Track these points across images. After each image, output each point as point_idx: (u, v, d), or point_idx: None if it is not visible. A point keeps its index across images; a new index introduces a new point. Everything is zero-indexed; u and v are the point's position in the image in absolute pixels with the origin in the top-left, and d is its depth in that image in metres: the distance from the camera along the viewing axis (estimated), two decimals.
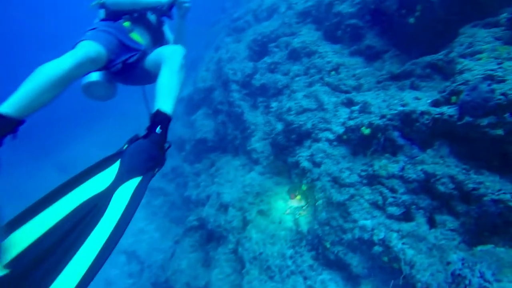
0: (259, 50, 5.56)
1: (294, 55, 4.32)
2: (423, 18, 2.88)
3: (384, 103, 2.55)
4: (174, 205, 7.76)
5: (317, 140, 3.03)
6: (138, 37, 2.21)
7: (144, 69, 2.00)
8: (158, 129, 1.43)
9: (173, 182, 8.31)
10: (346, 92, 3.35)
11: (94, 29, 1.93)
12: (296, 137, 3.27)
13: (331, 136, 2.93)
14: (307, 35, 4.34)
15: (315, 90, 3.42)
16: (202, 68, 8.15)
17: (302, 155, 3.06)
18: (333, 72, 3.58)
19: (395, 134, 2.36)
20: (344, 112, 3.03)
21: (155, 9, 2.34)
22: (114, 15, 2.24)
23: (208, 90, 6.77)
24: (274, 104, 4.28)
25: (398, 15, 3.09)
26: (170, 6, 2.36)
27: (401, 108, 2.34)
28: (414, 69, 2.87)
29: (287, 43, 4.75)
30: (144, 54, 2.04)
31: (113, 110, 15.80)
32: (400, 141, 2.34)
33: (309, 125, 3.13)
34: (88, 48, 1.64)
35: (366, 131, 2.48)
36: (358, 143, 2.62)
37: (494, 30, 2.31)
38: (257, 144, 4.26)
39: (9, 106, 1.23)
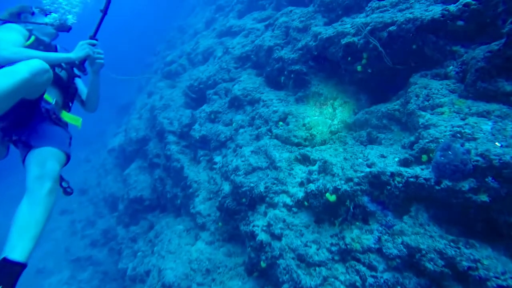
0: (196, 97, 5.14)
1: (236, 103, 3.97)
2: (370, 65, 2.74)
3: (346, 162, 2.24)
4: (107, 276, 6.54)
5: (273, 205, 2.59)
6: (48, 97, 2.03)
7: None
8: None
9: (105, 248, 7.11)
10: (298, 144, 3.03)
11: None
12: (248, 201, 2.80)
13: (289, 201, 2.51)
14: (248, 81, 4.05)
15: (264, 144, 3.04)
16: (135, 116, 7.42)
17: (258, 224, 2.58)
18: (281, 123, 3.27)
19: (365, 199, 2.03)
20: (300, 171, 2.67)
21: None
22: None
23: (141, 141, 6.06)
24: (217, 159, 3.81)
25: (345, 62, 2.94)
26: (82, 62, 2.25)
27: (368, 170, 2.04)
28: (368, 119, 2.67)
29: (226, 90, 4.41)
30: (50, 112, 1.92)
31: None
32: (371, 206, 2.02)
33: (261, 188, 2.69)
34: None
35: (331, 197, 2.11)
36: (322, 210, 2.24)
37: (446, 82, 2.20)
38: (202, 206, 3.68)
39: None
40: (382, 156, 2.10)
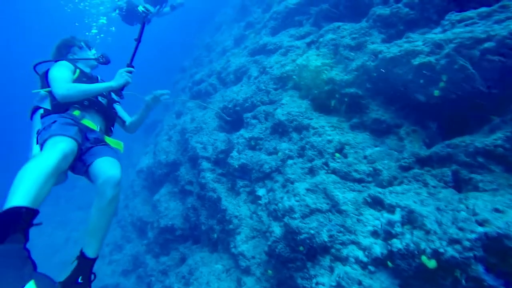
0: (232, 120, 4.81)
1: (280, 130, 3.60)
2: (450, 89, 2.30)
3: (443, 215, 1.78)
4: None
5: (341, 259, 2.15)
6: (90, 122, 2.33)
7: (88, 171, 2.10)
8: (80, 279, 1.72)
9: (133, 275, 6.81)
10: (360, 181, 2.60)
11: (54, 122, 2.02)
12: (307, 250, 2.38)
13: (361, 256, 2.07)
14: (292, 105, 3.68)
15: (321, 181, 2.62)
16: (163, 137, 7.21)
17: (323, 282, 2.15)
18: (337, 155, 2.85)
19: (480, 269, 1.57)
20: (371, 216, 2.23)
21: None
22: (61, 106, 2.25)
23: (171, 165, 5.79)
24: (261, 192, 3.42)
25: (415, 86, 2.51)
26: (121, 89, 2.44)
27: (481, 230, 1.58)
28: (453, 154, 2.20)
29: (267, 114, 4.05)
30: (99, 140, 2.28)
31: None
32: (490, 280, 1.55)
33: (325, 236, 2.26)
34: (65, 142, 1.81)
35: (430, 263, 1.66)
36: (413, 275, 1.79)
37: None
38: (245, 246, 3.28)
39: (21, 200, 1.37)
40: (497, 210, 1.64)
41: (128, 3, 5.42)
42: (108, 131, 2.63)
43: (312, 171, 2.88)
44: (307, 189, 2.65)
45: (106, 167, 2.02)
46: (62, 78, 2.26)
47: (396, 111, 2.89)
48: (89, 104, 2.41)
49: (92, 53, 2.82)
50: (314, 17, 4.85)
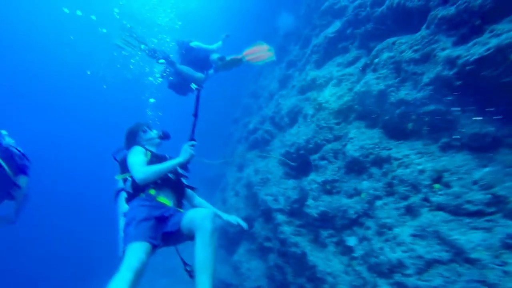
0: (297, 165, 4.55)
1: (356, 168, 3.23)
2: None
3: None
4: None
5: None
6: (165, 199, 2.50)
7: (180, 233, 2.20)
8: None
9: None
10: (479, 213, 2.08)
11: (132, 220, 2.22)
12: None
13: None
14: (362, 137, 3.32)
15: (429, 222, 2.17)
16: (230, 193, 7.16)
17: None
18: (437, 185, 2.38)
19: None
20: None
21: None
22: (139, 187, 2.47)
23: (245, 220, 5.58)
24: (351, 242, 2.99)
25: None
26: (187, 163, 2.61)
27: None
28: None
29: (335, 152, 3.73)
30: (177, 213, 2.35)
31: None
32: None
33: None
34: (138, 253, 1.96)
35: None
36: None
37: None
38: None
39: None
40: None
41: (176, 74, 5.53)
42: (180, 204, 2.76)
43: (410, 211, 2.43)
44: (413, 235, 2.21)
45: (196, 212, 2.18)
46: (138, 162, 2.51)
47: (498, 119, 2.38)
48: (162, 182, 2.58)
49: (154, 133, 3.09)
50: (359, 39, 4.59)
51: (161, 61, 5.53)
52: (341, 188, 3.31)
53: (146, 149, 2.79)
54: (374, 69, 3.54)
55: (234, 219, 3.03)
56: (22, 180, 3.55)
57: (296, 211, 4.08)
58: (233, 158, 6.68)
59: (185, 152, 2.56)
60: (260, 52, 5.27)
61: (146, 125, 3.12)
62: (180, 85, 5.59)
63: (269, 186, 4.83)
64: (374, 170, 3.01)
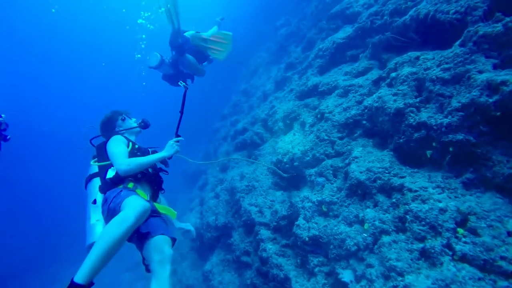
0: (289, 176, 4.14)
1: (359, 192, 2.84)
2: None
3: None
4: None
5: None
6: (142, 192, 2.46)
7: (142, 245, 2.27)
8: None
9: None
10: None
11: (119, 192, 2.26)
12: None
13: None
14: (370, 158, 2.94)
15: (453, 277, 1.79)
16: (210, 194, 6.68)
17: None
18: (461, 230, 2.02)
19: None
20: None
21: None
22: (118, 179, 2.43)
23: (222, 229, 5.14)
24: (347, 277, 2.60)
25: None
26: (170, 158, 2.67)
27: None
28: None
29: (335, 170, 3.34)
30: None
31: None
32: None
33: None
34: (143, 201, 2.01)
35: None
36: None
37: None
38: None
39: (83, 278, 1.57)
40: None
41: (176, 63, 5.24)
42: (156, 198, 2.77)
43: (428, 257, 2.06)
44: None
45: (159, 247, 2.16)
46: (121, 153, 2.47)
47: None
48: (141, 176, 2.58)
49: (133, 121, 3.04)
50: (372, 49, 4.23)
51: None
52: (340, 213, 2.91)
53: (128, 140, 2.74)
54: (390, 84, 3.17)
55: (187, 225, 3.13)
56: None
57: (283, 228, 3.66)
58: (219, 161, 6.19)
59: (170, 147, 2.60)
60: (221, 44, 5.34)
61: (125, 113, 3.04)
62: (175, 76, 5.38)
63: (255, 195, 4.39)
64: (381, 198, 2.63)
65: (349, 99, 3.78)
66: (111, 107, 3.11)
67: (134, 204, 1.95)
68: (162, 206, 2.59)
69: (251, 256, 4.14)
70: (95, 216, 2.44)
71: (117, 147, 2.52)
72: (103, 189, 2.50)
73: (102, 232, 1.76)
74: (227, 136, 9.04)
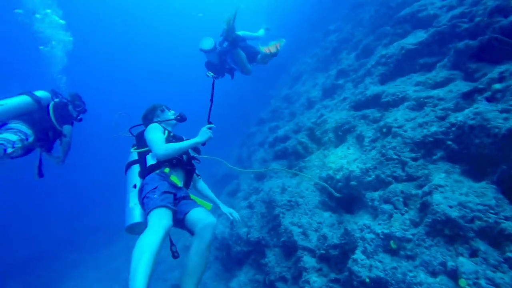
0: (342, 196, 3.55)
1: (447, 232, 2.21)
2: None
3: None
4: None
5: None
6: (176, 179, 2.59)
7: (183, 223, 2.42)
8: None
9: None
10: None
11: (154, 188, 2.35)
12: None
13: None
14: (461, 188, 2.31)
15: None
16: (242, 202, 6.19)
17: None
18: None
19: None
20: None
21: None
22: (156, 164, 2.61)
23: (255, 245, 4.62)
24: None
25: None
26: (204, 144, 2.72)
27: None
28: None
29: (407, 197, 2.72)
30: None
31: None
32: None
33: None
34: (167, 216, 2.15)
35: None
36: None
37: None
38: None
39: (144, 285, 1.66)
40: None
41: (224, 54, 5.26)
42: (188, 185, 2.89)
43: None
44: None
45: (202, 214, 2.33)
46: (158, 139, 2.61)
47: None
48: (176, 162, 2.70)
49: (171, 114, 3.21)
50: (455, 56, 3.56)
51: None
52: (417, 255, 2.29)
53: (164, 128, 2.89)
54: (494, 98, 2.52)
55: (228, 211, 3.12)
56: (65, 129, 4.10)
57: (332, 259, 3.08)
58: (263, 171, 5.73)
59: (204, 133, 2.67)
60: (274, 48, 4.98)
61: (165, 105, 3.25)
62: (218, 67, 5.39)
63: (298, 213, 3.84)
64: (482, 246, 1.99)
65: (426, 113, 3.14)
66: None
67: (156, 227, 2.02)
68: (197, 199, 2.72)
69: (288, 284, 3.57)
70: (134, 200, 2.60)
71: (155, 134, 2.67)
72: (142, 174, 2.66)
73: (136, 245, 1.87)
74: (264, 142, 8.56)
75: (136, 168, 2.78)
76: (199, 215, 2.32)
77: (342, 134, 4.59)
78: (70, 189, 23.81)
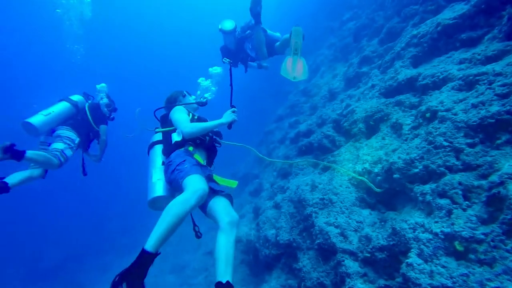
0: (384, 192, 3.18)
1: None
2: None
3: None
4: None
5: None
6: (199, 157, 2.73)
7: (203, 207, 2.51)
8: None
9: None
10: None
11: (183, 161, 2.52)
12: None
13: None
14: None
15: None
16: (267, 202, 5.88)
17: None
18: None
19: None
20: None
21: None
22: (180, 143, 2.74)
23: (285, 247, 4.30)
24: None
25: None
26: (230, 125, 2.89)
27: None
28: None
29: (468, 190, 2.33)
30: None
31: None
32: None
33: None
34: (203, 181, 2.30)
35: None
36: None
37: None
38: None
39: (152, 247, 1.76)
40: None
41: (239, 42, 5.34)
42: (210, 166, 2.98)
43: None
44: None
45: (227, 208, 2.41)
46: (185, 119, 2.77)
47: None
48: (200, 142, 2.83)
49: (192, 98, 3.46)
50: (509, 25, 3.12)
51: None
52: (496, 260, 1.91)
53: (188, 111, 3.05)
54: None
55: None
56: (102, 128, 4.41)
57: (379, 263, 2.72)
58: (298, 162, 5.40)
59: (228, 115, 2.82)
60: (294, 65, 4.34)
61: (186, 91, 3.48)
62: (233, 52, 5.50)
63: (333, 212, 3.49)
64: None
65: (480, 92, 2.73)
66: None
67: (196, 187, 2.16)
68: (221, 178, 2.71)
69: None
70: (157, 175, 2.76)
71: (180, 114, 2.84)
72: (167, 151, 2.79)
73: (168, 208, 1.95)
74: (285, 138, 8.22)
75: (159, 148, 2.98)
76: (224, 208, 2.40)
77: (374, 123, 4.20)
78: (98, 192, 24.12)
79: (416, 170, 2.80)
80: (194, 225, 2.61)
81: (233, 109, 2.91)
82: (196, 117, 3.03)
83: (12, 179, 3.37)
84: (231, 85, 3.04)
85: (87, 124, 4.26)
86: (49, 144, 3.89)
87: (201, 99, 3.41)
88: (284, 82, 14.21)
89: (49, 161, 3.53)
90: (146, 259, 1.70)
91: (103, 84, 4.83)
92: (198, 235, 2.57)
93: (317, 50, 11.75)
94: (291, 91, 11.87)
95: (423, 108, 3.20)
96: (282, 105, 11.67)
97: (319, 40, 12.24)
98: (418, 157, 2.83)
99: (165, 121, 3.04)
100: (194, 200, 2.05)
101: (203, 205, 2.49)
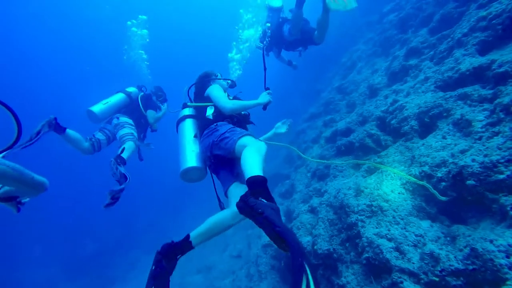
0: (450, 201, 2.64)
1: None
2: None
3: None
4: None
5: None
6: None
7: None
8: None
9: None
10: None
11: (232, 127, 2.65)
12: None
13: None
14: None
15: None
16: (301, 206, 5.42)
17: None
18: None
19: None
20: None
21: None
22: (218, 118, 2.84)
23: (323, 258, 3.82)
24: None
25: None
26: (265, 106, 3.07)
27: None
28: None
29: None
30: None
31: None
32: None
33: None
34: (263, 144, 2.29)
35: None
36: None
37: None
38: None
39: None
40: None
41: (279, 25, 5.55)
42: None
43: None
44: None
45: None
46: (224, 95, 2.90)
47: None
48: (237, 120, 2.92)
49: (223, 80, 3.49)
50: None
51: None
52: None
53: (224, 89, 3.14)
54: None
55: (280, 127, 3.55)
56: (149, 113, 4.84)
57: None
58: (348, 162, 4.87)
59: (264, 96, 3.03)
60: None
61: (219, 72, 3.50)
62: (271, 33, 5.59)
63: (384, 222, 2.98)
64: None
65: None
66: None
67: (258, 142, 2.21)
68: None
69: None
70: (190, 147, 2.84)
71: (219, 91, 2.92)
72: (204, 125, 2.83)
73: (245, 155, 1.99)
74: (319, 137, 7.70)
75: (189, 122, 3.06)
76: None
77: (430, 121, 3.63)
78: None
79: (502, 176, 2.24)
80: (219, 201, 2.66)
81: (268, 91, 3.06)
82: (231, 97, 3.08)
83: (70, 131, 3.96)
84: (264, 68, 3.19)
85: (138, 112, 4.80)
86: (109, 130, 4.59)
87: (229, 81, 3.50)
88: (314, 80, 13.65)
89: (80, 144, 4.14)
90: (263, 182, 1.74)
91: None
92: (222, 207, 2.57)
93: (352, 46, 11.09)
94: (324, 89, 11.28)
95: (505, 99, 2.62)
96: (314, 103, 11.11)
97: (354, 36, 11.57)
98: (503, 160, 2.27)
99: (199, 97, 3.15)
100: (264, 149, 2.09)
101: (229, 182, 2.57)
